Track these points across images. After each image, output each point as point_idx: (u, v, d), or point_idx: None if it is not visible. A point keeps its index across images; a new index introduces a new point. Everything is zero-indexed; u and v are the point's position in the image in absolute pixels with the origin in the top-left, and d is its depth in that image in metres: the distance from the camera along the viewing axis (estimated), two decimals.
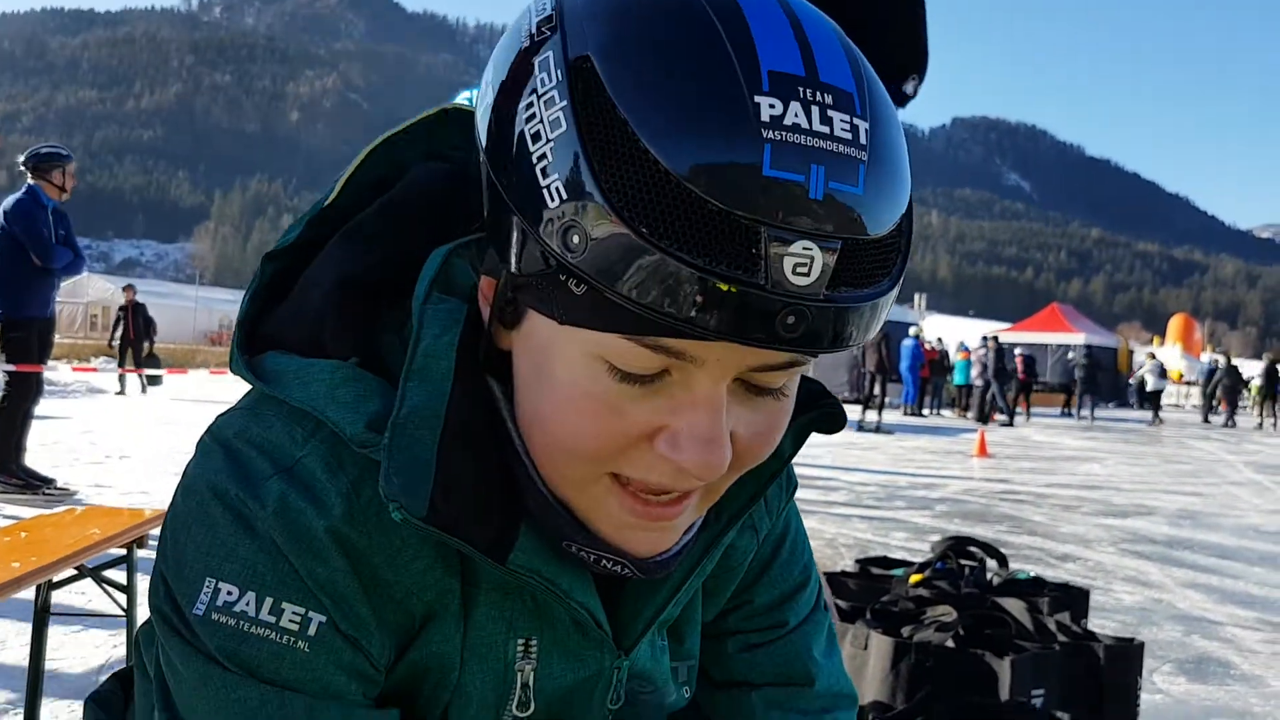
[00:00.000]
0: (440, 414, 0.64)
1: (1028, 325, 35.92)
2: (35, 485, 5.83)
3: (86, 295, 42.93)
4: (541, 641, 0.72)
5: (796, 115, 0.52)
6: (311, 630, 0.63)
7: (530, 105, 0.56)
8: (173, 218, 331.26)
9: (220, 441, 0.67)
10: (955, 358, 22.62)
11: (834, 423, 0.78)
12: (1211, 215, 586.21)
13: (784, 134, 0.52)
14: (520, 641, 0.71)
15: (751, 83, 0.52)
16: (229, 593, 0.63)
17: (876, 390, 16.27)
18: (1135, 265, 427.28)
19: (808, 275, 0.52)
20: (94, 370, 16.79)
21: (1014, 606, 2.49)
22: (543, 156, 0.55)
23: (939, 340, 25.14)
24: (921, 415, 21.32)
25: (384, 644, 0.68)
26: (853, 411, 18.43)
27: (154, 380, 16.58)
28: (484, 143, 0.61)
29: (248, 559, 0.63)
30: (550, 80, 0.55)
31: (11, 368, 5.88)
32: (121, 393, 15.99)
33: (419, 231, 0.72)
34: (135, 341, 16.37)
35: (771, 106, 0.52)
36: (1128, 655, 2.46)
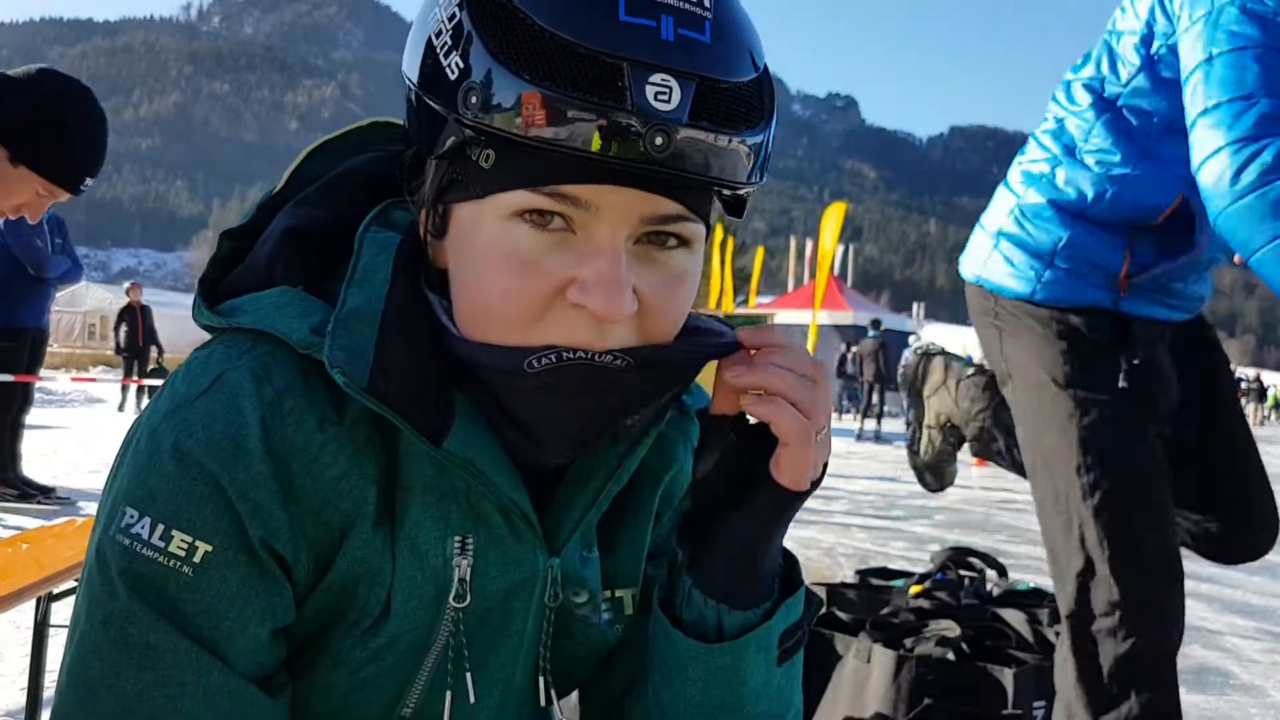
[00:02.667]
0: (378, 312, 0.72)
1: None
2: (32, 494, 5.83)
3: (85, 304, 42.93)
4: (477, 540, 0.75)
5: None
6: (197, 558, 0.68)
7: (435, 17, 0.68)
8: (171, 227, 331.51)
9: (170, 381, 0.74)
10: None
11: (731, 345, 0.81)
12: None
13: None
14: (456, 539, 0.75)
15: None
16: (130, 515, 0.69)
17: (874, 399, 16.26)
18: None
19: (668, 102, 0.62)
20: (92, 380, 16.70)
21: (1014, 618, 2.49)
22: (444, 45, 0.66)
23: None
24: None
25: (301, 553, 0.71)
26: (851, 421, 18.42)
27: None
28: (410, 66, 0.71)
29: (153, 487, 0.68)
30: None
31: (9, 377, 5.87)
32: (122, 409, 14.97)
33: (359, 201, 0.80)
34: (143, 350, 14.00)
35: None
36: None
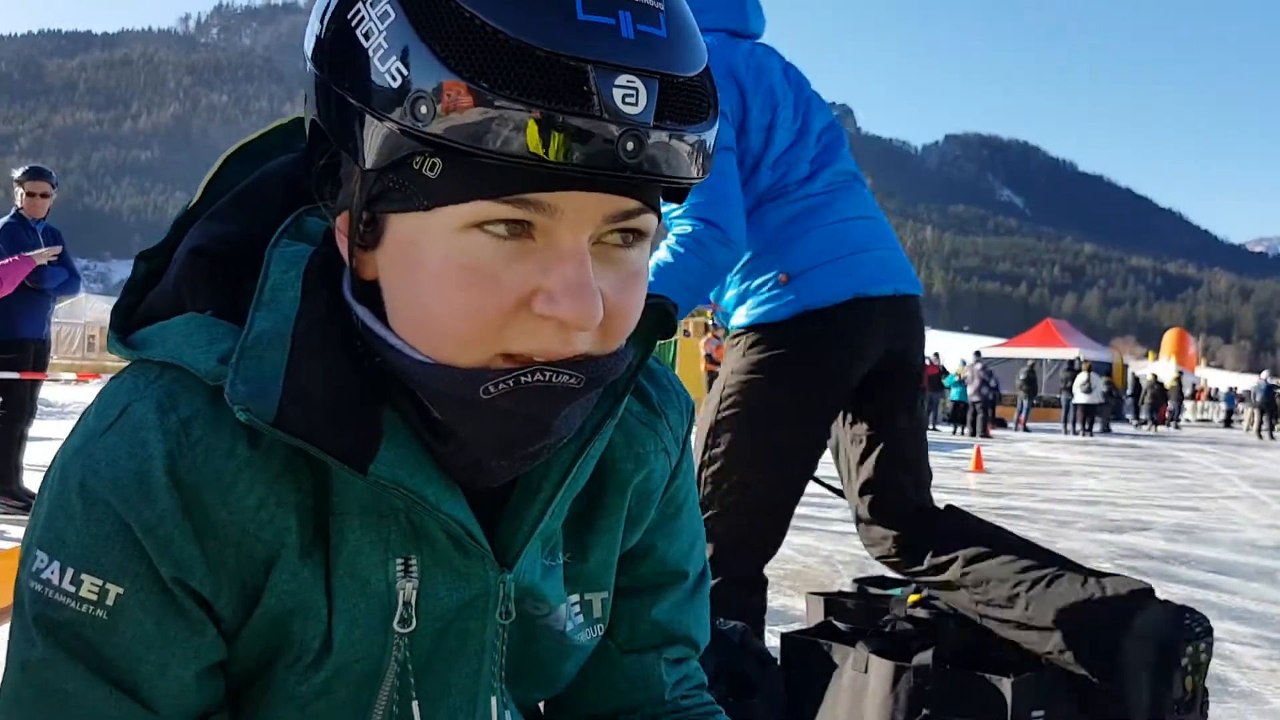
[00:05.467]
0: (287, 335, 0.68)
1: (1023, 340, 36.07)
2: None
3: (84, 316, 42.87)
4: (421, 560, 0.73)
5: None
6: (110, 600, 0.65)
7: (357, 11, 0.62)
8: None
9: (84, 413, 0.72)
10: (956, 374, 22.62)
11: (666, 322, 0.82)
12: (1204, 230, 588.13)
13: None
14: (399, 561, 0.72)
15: None
16: (41, 560, 0.67)
17: None
18: (1129, 280, 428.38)
19: (636, 104, 0.59)
20: (97, 376, 16.57)
21: None
22: (377, 48, 0.60)
23: (935, 355, 25.19)
24: None
25: (222, 588, 0.69)
26: None
27: None
28: (319, 62, 0.66)
29: (61, 530, 0.66)
30: None
31: (15, 375, 5.86)
32: None
33: (273, 212, 0.76)
34: None
35: None
36: None
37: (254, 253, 0.73)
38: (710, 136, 0.65)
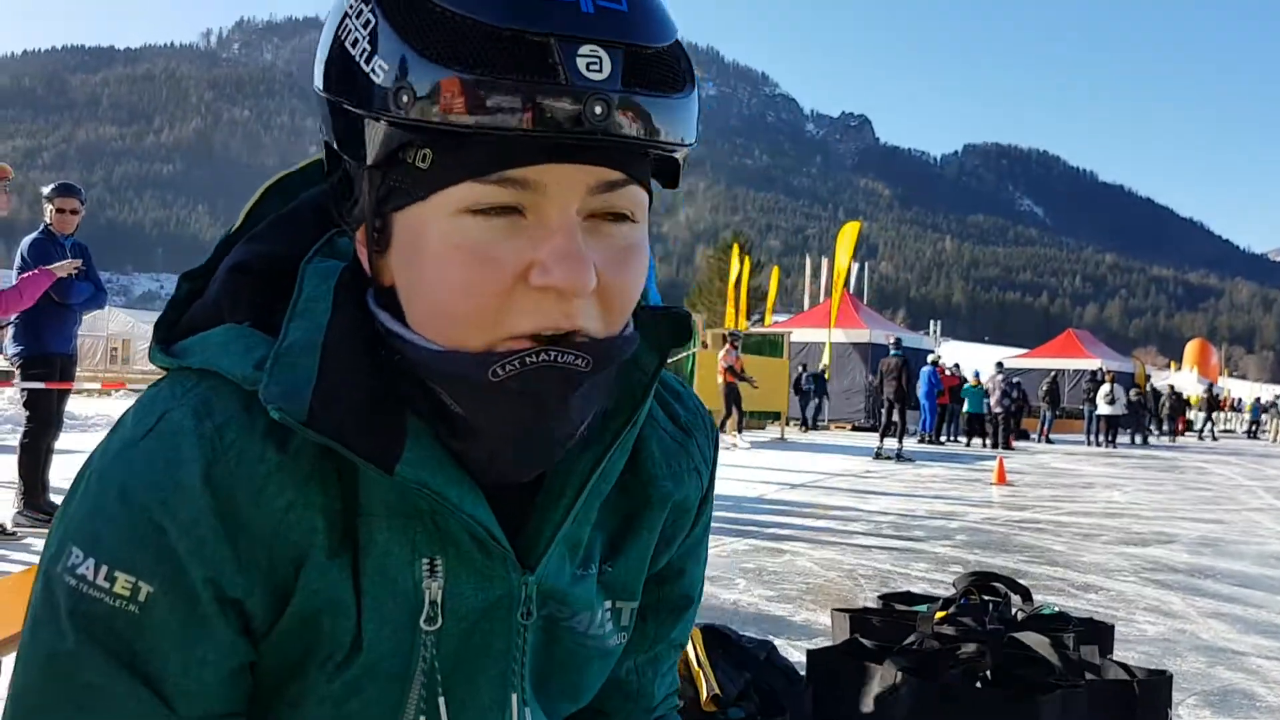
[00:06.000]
0: (319, 343, 0.71)
1: (1044, 351, 35.85)
2: None
3: (107, 329, 43.21)
4: (446, 561, 0.75)
5: None
6: (141, 597, 0.68)
7: (345, 24, 0.68)
8: (192, 251, 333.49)
9: (120, 419, 0.75)
10: (972, 384, 22.48)
11: (682, 327, 0.84)
12: (1226, 239, 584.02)
13: None
14: (425, 561, 0.74)
15: None
16: (76, 555, 0.69)
17: (895, 418, 16.14)
18: (1150, 290, 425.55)
19: (600, 72, 0.63)
20: (121, 385, 16.58)
21: (1040, 643, 2.48)
22: (362, 51, 0.66)
23: (956, 366, 25.10)
24: (940, 443, 21.24)
25: (254, 588, 0.71)
26: (871, 439, 18.35)
27: None
28: (324, 83, 0.71)
29: (98, 529, 0.69)
30: (358, 1, 0.68)
31: (40, 385, 5.92)
32: None
33: (309, 234, 0.80)
34: None
35: None
36: (1157, 689, 2.45)
37: (289, 270, 0.77)
38: (688, 106, 0.68)
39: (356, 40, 0.67)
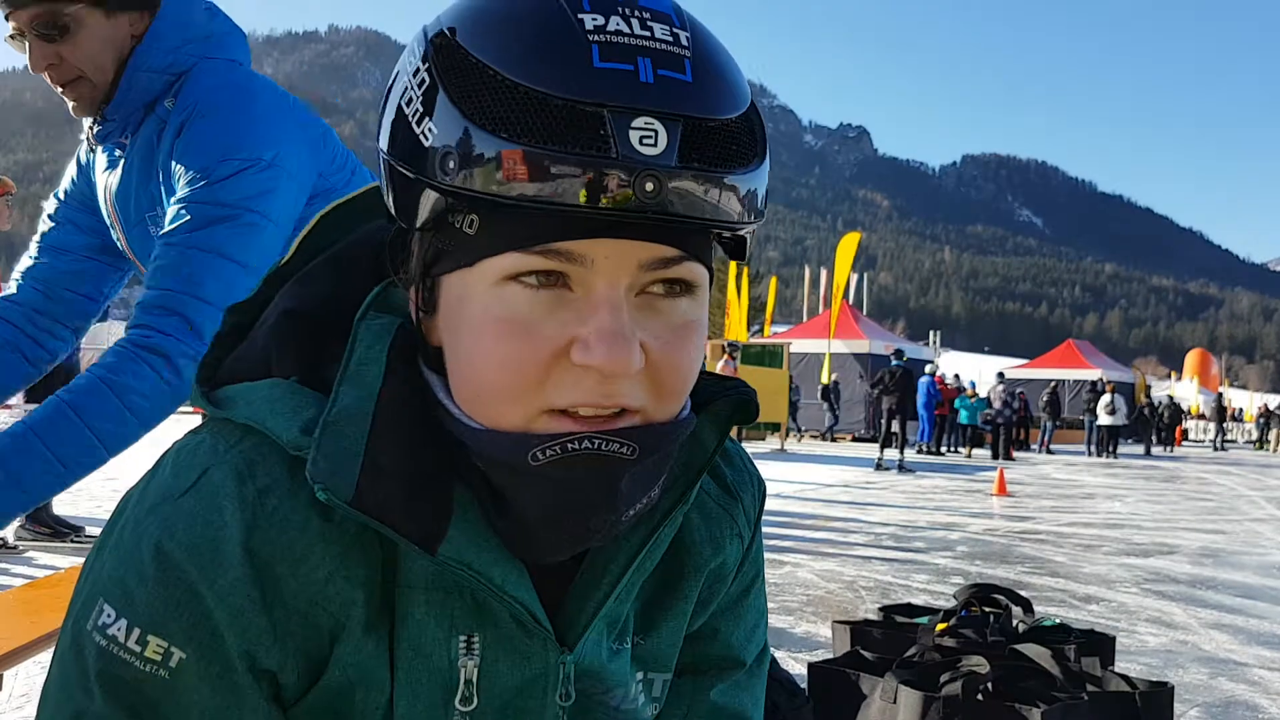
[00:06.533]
0: (370, 412, 0.68)
1: (1044, 361, 35.83)
2: (64, 533, 5.87)
3: (105, 341, 43.25)
4: (484, 638, 0.73)
5: (618, 24, 0.62)
6: (173, 663, 0.66)
7: (404, 85, 0.66)
8: None
9: (158, 465, 0.73)
10: (969, 396, 22.47)
11: (747, 408, 0.81)
12: (1225, 249, 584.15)
13: (608, 37, 0.61)
14: (463, 638, 0.72)
15: (574, 7, 0.62)
16: (108, 615, 0.67)
17: (895, 428, 16.12)
18: (1150, 300, 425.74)
19: (655, 146, 0.59)
20: None
21: (1041, 654, 2.48)
22: (416, 111, 0.63)
23: (956, 377, 25.10)
24: (940, 453, 21.22)
25: (288, 659, 0.69)
26: (870, 450, 18.32)
27: None
28: (385, 139, 0.68)
29: (132, 588, 0.67)
30: (416, 59, 0.65)
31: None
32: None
33: (363, 276, 0.77)
34: None
35: (594, 19, 0.62)
36: (1159, 701, 2.45)
37: (342, 314, 0.75)
38: (754, 182, 0.64)
39: (411, 99, 0.64)
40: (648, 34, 0.62)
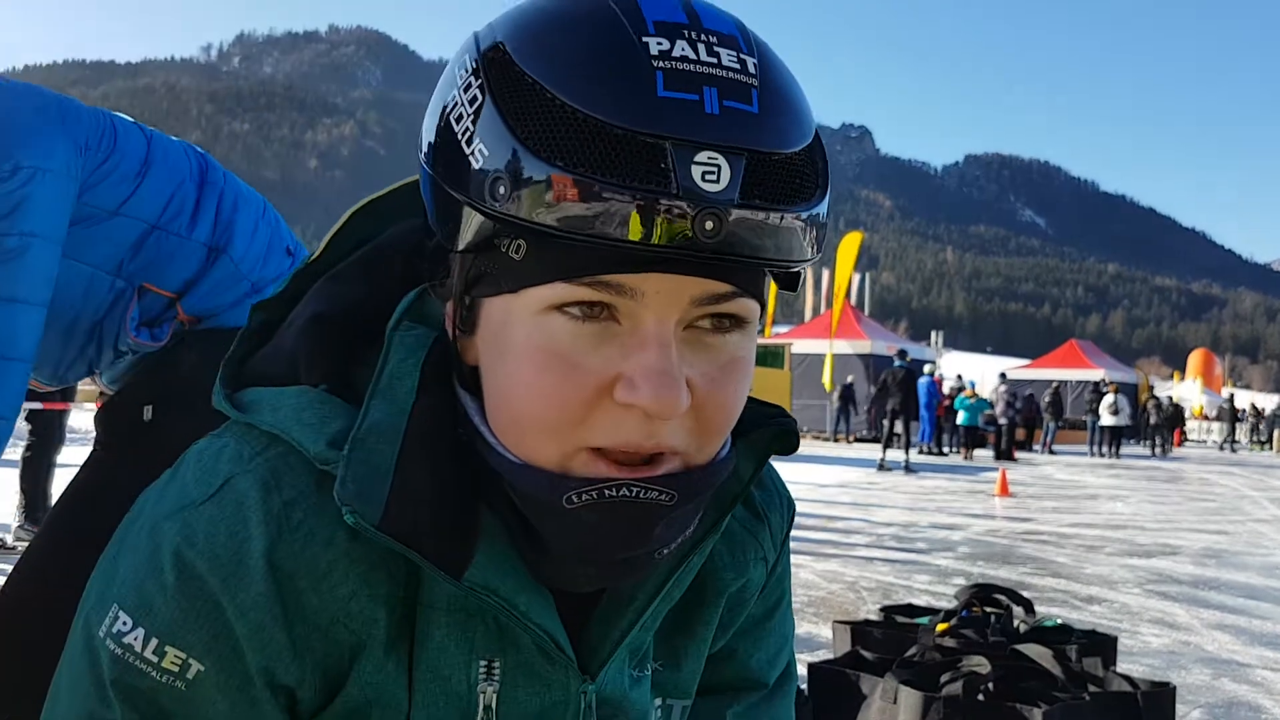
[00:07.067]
0: (401, 429, 0.67)
1: (1047, 361, 35.81)
2: None
3: None
4: (505, 664, 0.71)
5: (683, 49, 0.59)
6: (190, 674, 0.65)
7: (453, 98, 0.63)
8: None
9: (178, 467, 0.71)
10: (971, 396, 22.43)
11: (788, 439, 0.79)
12: (1229, 249, 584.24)
13: (673, 63, 0.58)
14: (483, 663, 0.71)
15: (638, 29, 0.59)
16: (124, 623, 0.65)
17: (899, 429, 16.11)
18: (1153, 300, 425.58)
19: (717, 182, 0.56)
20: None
21: (1042, 654, 2.47)
22: (465, 130, 0.61)
23: (959, 377, 25.08)
24: (942, 454, 21.20)
25: (306, 674, 0.68)
26: (873, 450, 18.32)
27: None
28: (427, 155, 0.66)
29: (150, 596, 0.65)
30: (466, 73, 0.62)
31: (38, 405, 5.92)
32: None
33: (395, 278, 0.75)
34: None
35: (659, 44, 0.59)
36: (1161, 700, 2.44)
37: (373, 319, 0.73)
38: (815, 214, 0.61)
39: (461, 116, 0.61)
40: (714, 60, 0.59)
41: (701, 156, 0.56)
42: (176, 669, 0.65)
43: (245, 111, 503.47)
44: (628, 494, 0.63)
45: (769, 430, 0.79)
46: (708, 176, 0.56)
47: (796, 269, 0.64)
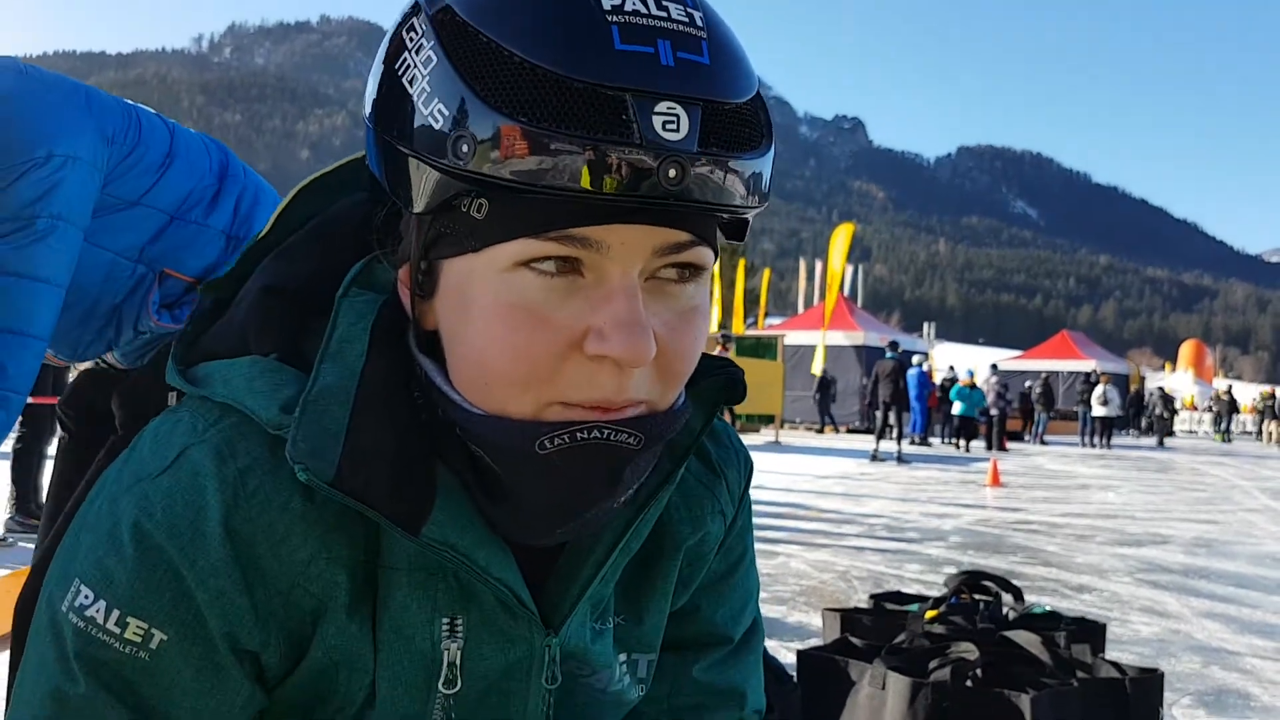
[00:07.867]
0: (352, 391, 0.67)
1: (1039, 352, 35.92)
2: None
3: None
4: (468, 620, 0.72)
5: (634, 4, 0.60)
6: (153, 644, 0.65)
7: (404, 60, 0.63)
8: None
9: (136, 443, 0.71)
10: (964, 385, 22.47)
11: (735, 389, 0.81)
12: (1220, 240, 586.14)
13: (626, 17, 0.59)
14: (445, 620, 0.72)
15: None
16: (86, 596, 0.66)
17: (892, 420, 16.14)
18: (1145, 291, 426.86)
19: (677, 131, 0.58)
20: None
21: (1031, 641, 2.48)
22: (421, 91, 0.61)
23: (950, 368, 25.13)
24: (927, 444, 21.24)
25: (270, 639, 0.68)
26: (864, 441, 18.37)
27: None
28: (373, 115, 0.66)
29: (111, 569, 0.65)
30: (418, 34, 0.63)
31: (29, 399, 5.90)
32: None
33: (345, 249, 0.76)
34: None
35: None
36: (1149, 687, 2.44)
37: (322, 290, 0.74)
38: (764, 166, 0.63)
39: (415, 79, 0.62)
40: (664, 14, 0.60)
41: (661, 107, 0.58)
42: (139, 639, 0.65)
43: (237, 102, 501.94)
44: (600, 436, 0.64)
45: (717, 380, 0.80)
46: (668, 126, 0.58)
47: (746, 215, 0.66)
